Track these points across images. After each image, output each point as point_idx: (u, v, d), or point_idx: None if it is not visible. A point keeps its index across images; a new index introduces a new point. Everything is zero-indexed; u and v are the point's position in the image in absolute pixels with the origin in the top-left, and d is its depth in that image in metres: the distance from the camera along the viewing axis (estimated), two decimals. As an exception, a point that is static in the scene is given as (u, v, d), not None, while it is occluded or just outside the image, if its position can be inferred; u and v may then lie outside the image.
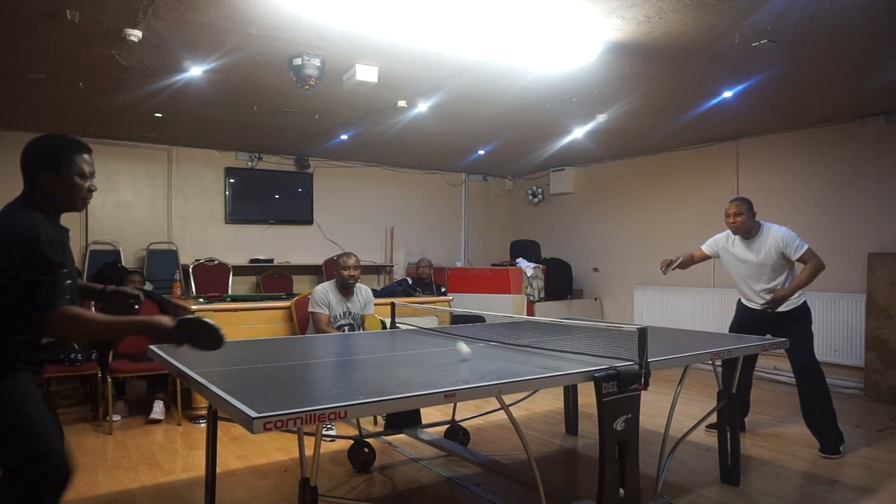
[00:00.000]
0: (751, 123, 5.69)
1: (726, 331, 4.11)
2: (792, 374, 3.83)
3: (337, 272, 4.32)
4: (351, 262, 4.30)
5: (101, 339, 1.81)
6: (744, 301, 3.98)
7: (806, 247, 3.67)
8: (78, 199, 1.94)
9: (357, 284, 4.44)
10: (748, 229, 3.80)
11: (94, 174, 1.97)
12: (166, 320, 1.82)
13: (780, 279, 3.75)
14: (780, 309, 3.74)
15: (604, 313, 7.82)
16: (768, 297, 3.74)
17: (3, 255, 1.74)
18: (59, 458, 1.86)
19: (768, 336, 3.57)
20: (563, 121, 5.61)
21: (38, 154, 1.92)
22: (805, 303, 3.79)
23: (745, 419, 4.14)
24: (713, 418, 3.29)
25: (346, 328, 4.31)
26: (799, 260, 3.68)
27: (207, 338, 1.80)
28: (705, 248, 4.10)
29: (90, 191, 1.97)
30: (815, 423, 3.66)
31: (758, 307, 3.84)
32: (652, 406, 4.35)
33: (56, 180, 1.89)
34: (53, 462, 1.85)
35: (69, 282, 1.89)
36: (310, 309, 4.30)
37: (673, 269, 3.99)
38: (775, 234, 3.74)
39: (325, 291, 4.29)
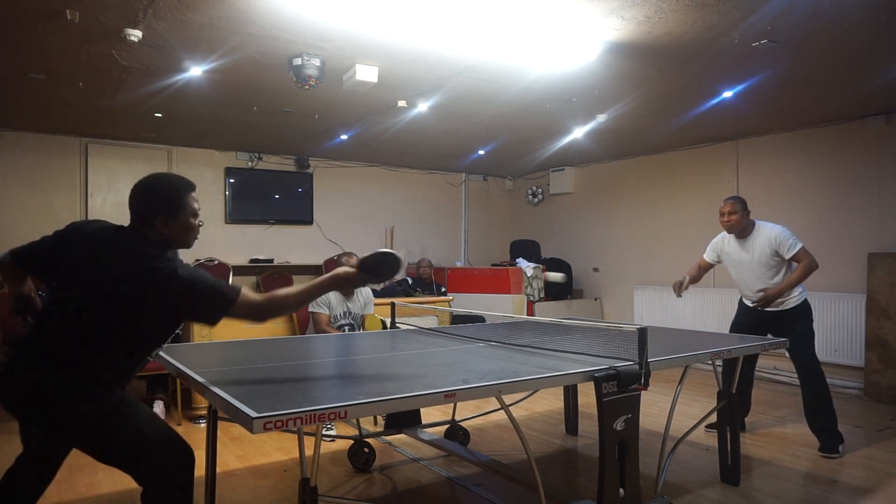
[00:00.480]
0: (751, 123, 5.69)
1: (726, 331, 4.11)
2: (792, 374, 3.85)
3: None
4: (353, 262, 4.30)
5: (306, 303, 2.09)
6: (744, 300, 3.99)
7: (800, 246, 3.67)
8: (192, 238, 2.03)
9: None
10: (742, 228, 3.81)
11: (200, 209, 2.06)
12: (351, 270, 2.05)
13: (777, 278, 3.75)
14: (781, 307, 3.75)
15: (604, 313, 7.82)
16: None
17: (189, 283, 1.83)
18: (184, 445, 1.98)
19: (769, 336, 3.58)
20: (563, 121, 5.61)
21: (156, 199, 1.95)
22: (806, 301, 3.78)
23: (745, 419, 4.14)
24: (713, 418, 3.29)
25: (347, 328, 4.31)
26: (792, 259, 3.68)
27: (388, 264, 2.08)
28: (706, 256, 4.10)
29: (198, 229, 2.05)
30: (814, 422, 3.67)
31: (756, 306, 3.85)
32: (652, 406, 4.35)
33: (173, 224, 1.95)
34: (186, 454, 1.97)
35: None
36: (310, 309, 4.31)
37: (685, 289, 3.99)
38: (769, 233, 3.74)
39: None
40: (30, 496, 2.09)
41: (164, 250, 1.93)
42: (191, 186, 2.03)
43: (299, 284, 2.02)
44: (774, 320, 3.79)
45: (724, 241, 3.97)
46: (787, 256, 3.68)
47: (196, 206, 2.02)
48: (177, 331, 2.08)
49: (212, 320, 1.89)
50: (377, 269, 2.07)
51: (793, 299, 3.74)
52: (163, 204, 1.94)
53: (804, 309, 3.77)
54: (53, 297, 1.92)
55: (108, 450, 1.85)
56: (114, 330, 1.85)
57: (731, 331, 4.02)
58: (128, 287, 1.82)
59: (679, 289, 3.98)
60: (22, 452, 2.14)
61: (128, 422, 1.86)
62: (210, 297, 1.85)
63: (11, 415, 1.89)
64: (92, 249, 1.90)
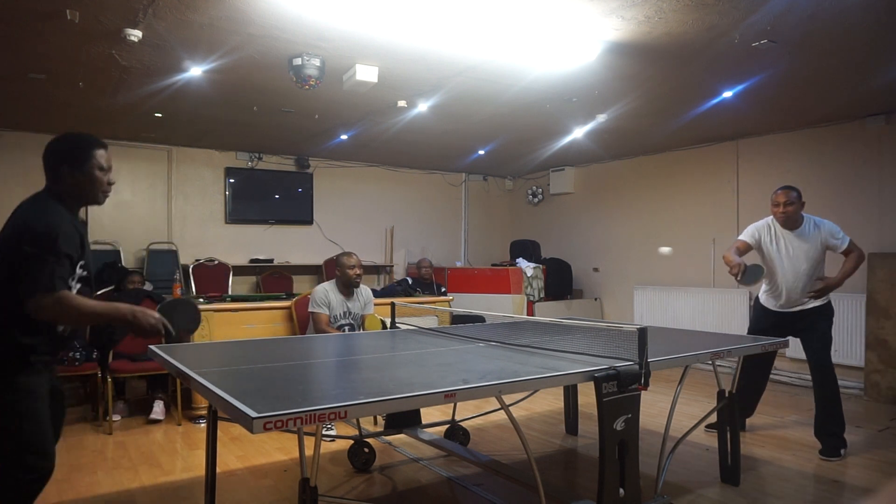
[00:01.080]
0: (751, 123, 5.69)
1: (726, 331, 4.11)
2: (793, 374, 3.82)
3: (341, 272, 4.31)
4: (354, 260, 4.31)
5: (97, 323, 1.92)
6: (762, 301, 3.86)
7: (849, 238, 3.61)
8: (99, 192, 2.07)
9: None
10: (794, 220, 3.66)
11: (111, 168, 2.11)
12: (151, 318, 1.96)
13: (814, 274, 3.66)
14: (809, 306, 3.67)
15: (604, 313, 7.82)
16: (805, 292, 3.64)
17: (25, 240, 1.83)
18: (49, 463, 1.92)
19: (789, 338, 3.43)
20: (563, 121, 5.61)
21: (61, 151, 2.03)
22: (830, 302, 3.72)
23: (747, 419, 4.12)
24: (713, 418, 3.28)
25: (347, 328, 4.31)
26: (844, 251, 3.60)
27: (186, 313, 2.07)
28: (746, 238, 3.80)
29: (109, 184, 2.10)
30: (822, 426, 3.63)
31: (782, 309, 3.73)
32: (652, 406, 4.35)
33: (79, 174, 2.01)
34: (45, 466, 1.91)
35: (84, 273, 1.99)
36: (310, 309, 4.30)
37: (753, 281, 3.61)
38: (821, 226, 3.64)
39: (325, 291, 4.29)
40: None
41: (54, 202, 1.96)
42: (100, 144, 2.09)
43: (95, 304, 1.92)
44: (798, 320, 3.69)
45: (769, 229, 3.75)
46: (841, 249, 3.59)
47: (105, 163, 2.07)
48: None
49: (21, 292, 1.80)
50: (174, 318, 2.03)
51: (820, 298, 3.67)
52: (68, 154, 2.01)
53: (828, 309, 3.70)
54: None
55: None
56: (5, 289, 1.84)
57: (749, 334, 3.92)
58: (2, 238, 1.88)
59: (739, 268, 3.55)
60: None
61: (20, 412, 1.85)
62: (35, 270, 1.79)
63: None
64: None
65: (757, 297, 3.96)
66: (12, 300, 1.83)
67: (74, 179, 2.01)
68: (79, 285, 1.98)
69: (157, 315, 1.97)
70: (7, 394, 1.85)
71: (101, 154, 2.07)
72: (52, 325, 1.94)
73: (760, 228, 3.80)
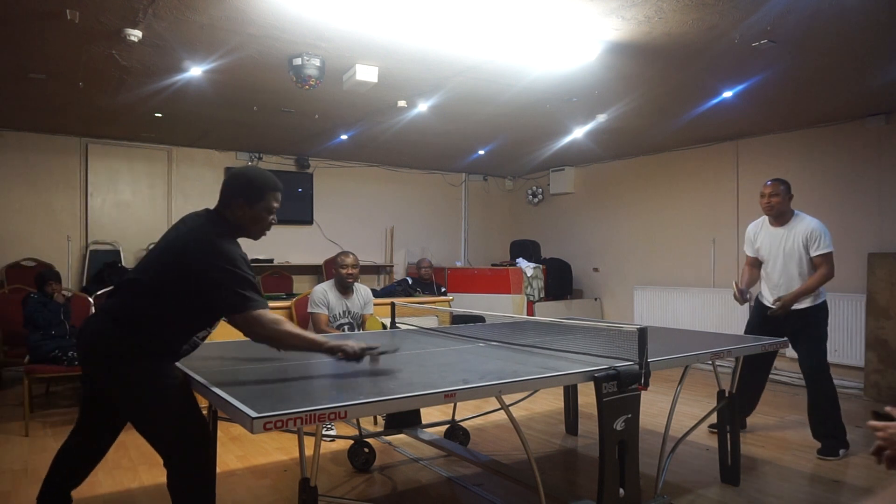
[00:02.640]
0: (751, 123, 5.69)
1: (726, 331, 4.11)
2: (793, 374, 3.81)
3: (335, 271, 4.32)
4: (349, 260, 4.30)
5: (293, 349, 2.15)
6: (761, 298, 3.87)
7: (828, 249, 3.55)
8: (260, 232, 2.21)
9: (356, 284, 4.44)
10: (782, 213, 3.67)
11: (277, 209, 2.21)
12: (353, 345, 2.12)
13: (802, 272, 3.62)
14: (801, 306, 3.65)
15: (604, 313, 7.82)
16: (778, 296, 3.64)
17: (226, 263, 1.99)
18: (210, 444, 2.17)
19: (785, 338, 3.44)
20: (563, 121, 5.61)
21: (241, 184, 2.17)
22: (824, 302, 3.69)
23: (747, 419, 4.12)
24: (713, 418, 3.28)
25: (346, 327, 4.31)
26: (814, 258, 3.57)
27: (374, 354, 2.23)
28: (746, 246, 3.89)
29: (270, 225, 2.22)
30: (818, 428, 3.63)
31: (773, 305, 3.73)
32: (652, 406, 4.35)
33: (249, 211, 2.14)
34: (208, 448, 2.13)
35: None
36: (309, 310, 4.30)
37: (745, 298, 3.81)
38: (807, 224, 3.63)
39: (323, 291, 4.29)
40: (79, 473, 2.26)
41: (227, 229, 2.11)
42: (278, 187, 2.20)
43: (309, 335, 2.14)
44: (789, 321, 3.68)
45: (757, 228, 3.80)
46: (813, 253, 3.56)
47: (276, 206, 2.19)
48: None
49: (235, 308, 1.97)
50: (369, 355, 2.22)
51: (816, 296, 3.64)
52: (247, 189, 2.14)
53: (820, 311, 3.67)
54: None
55: (152, 422, 2.04)
56: (166, 294, 2.01)
57: (745, 332, 3.93)
58: (175, 252, 2.03)
59: (740, 298, 3.79)
60: (74, 429, 2.28)
61: (178, 404, 2.04)
62: (240, 286, 1.97)
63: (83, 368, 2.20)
64: (171, 228, 2.21)
65: (759, 292, 3.97)
66: (169, 308, 2.02)
67: (244, 213, 2.14)
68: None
69: (360, 344, 2.13)
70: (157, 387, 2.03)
71: (274, 196, 2.17)
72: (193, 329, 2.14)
73: (749, 232, 3.89)
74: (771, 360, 3.96)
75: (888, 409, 1.39)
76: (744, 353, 3.01)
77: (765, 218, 3.82)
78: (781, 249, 3.68)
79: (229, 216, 2.14)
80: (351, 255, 4.35)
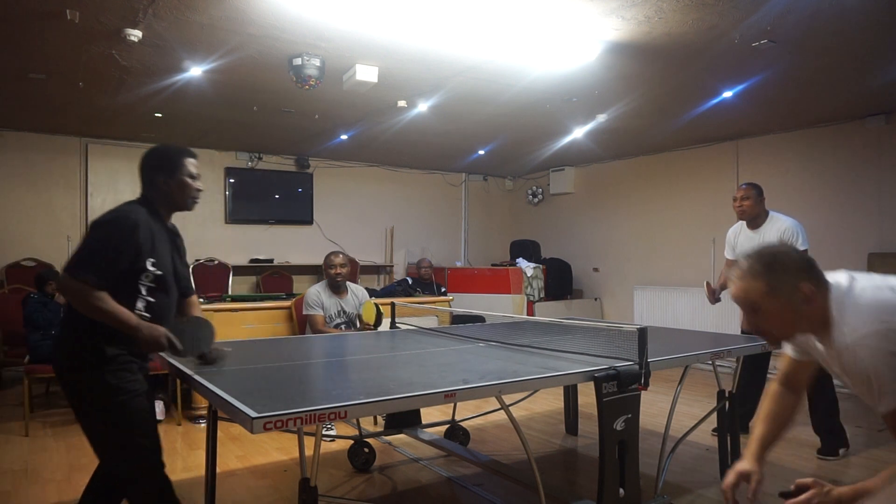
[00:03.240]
0: (751, 123, 5.69)
1: (726, 331, 4.11)
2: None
3: (325, 272, 4.33)
4: (337, 260, 4.29)
5: (106, 322, 1.94)
6: None
7: (803, 247, 3.56)
8: (189, 199, 2.21)
9: (352, 284, 4.44)
10: (755, 216, 3.70)
11: (199, 176, 2.24)
12: (159, 334, 1.95)
13: None
14: None
15: (604, 313, 7.82)
16: None
17: (92, 230, 1.97)
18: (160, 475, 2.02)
19: None
20: (563, 121, 5.61)
21: (155, 161, 2.21)
22: None
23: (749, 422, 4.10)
24: (714, 420, 3.28)
25: (343, 327, 4.31)
26: None
27: (202, 335, 2.10)
28: (727, 254, 3.96)
29: (198, 191, 2.23)
30: (817, 422, 3.64)
31: None
32: (652, 406, 4.35)
33: (171, 182, 2.16)
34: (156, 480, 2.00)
35: (158, 272, 2.05)
36: (304, 312, 4.30)
37: (717, 296, 3.91)
38: (780, 224, 3.64)
39: (317, 293, 4.28)
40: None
41: (138, 205, 2.09)
42: (191, 153, 2.25)
43: (115, 305, 1.93)
44: None
45: (735, 232, 3.85)
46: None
47: (194, 170, 2.22)
48: (151, 274, 2.04)
49: (65, 270, 1.91)
50: (185, 336, 2.05)
51: None
52: (163, 164, 2.19)
53: None
54: None
55: (99, 429, 1.96)
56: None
57: (742, 331, 3.95)
58: None
59: (711, 298, 3.88)
60: None
61: (129, 409, 1.95)
62: (83, 252, 1.92)
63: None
64: None
65: None
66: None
67: (167, 187, 2.16)
68: (151, 285, 2.04)
69: (163, 331, 1.97)
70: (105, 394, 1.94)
71: (190, 162, 2.22)
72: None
73: (729, 235, 3.93)
74: (766, 361, 3.97)
75: (798, 481, 1.40)
76: (744, 353, 3.01)
77: (743, 222, 3.86)
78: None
79: (157, 196, 2.16)
80: (340, 255, 4.34)
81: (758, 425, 1.82)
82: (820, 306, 1.39)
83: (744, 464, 1.71)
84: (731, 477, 1.67)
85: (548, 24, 3.28)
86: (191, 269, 6.58)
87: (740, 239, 3.84)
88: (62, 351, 1.99)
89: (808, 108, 5.10)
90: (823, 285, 1.41)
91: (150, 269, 2.02)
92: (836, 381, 3.70)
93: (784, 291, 1.40)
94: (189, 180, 2.20)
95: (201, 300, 4.85)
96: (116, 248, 1.93)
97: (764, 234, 3.69)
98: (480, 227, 9.08)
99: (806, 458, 3.57)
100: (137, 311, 2.01)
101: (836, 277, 1.42)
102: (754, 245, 3.72)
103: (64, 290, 2.01)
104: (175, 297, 2.18)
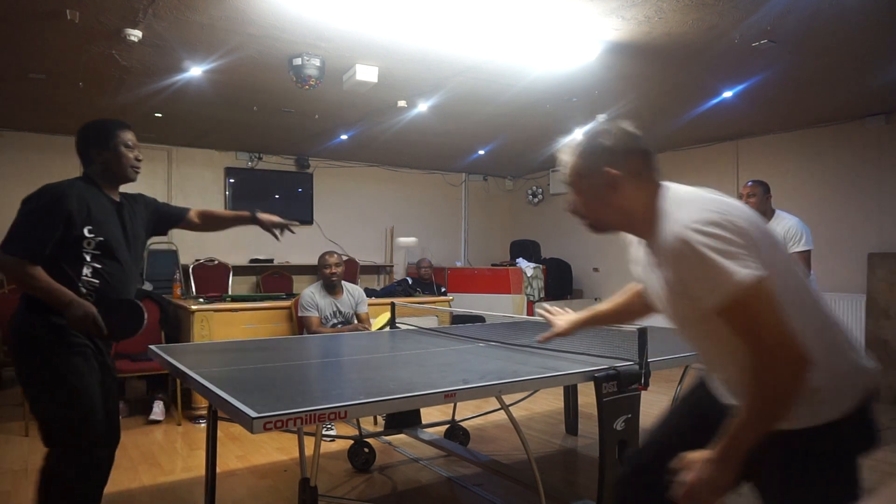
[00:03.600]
0: (751, 123, 5.69)
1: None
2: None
3: (320, 272, 4.34)
4: (332, 259, 4.30)
5: (40, 297, 1.99)
6: None
7: (806, 248, 3.55)
8: (129, 168, 2.19)
9: (347, 283, 4.44)
10: (761, 213, 3.63)
11: (137, 147, 2.22)
12: (88, 311, 1.98)
13: None
14: None
15: (604, 313, 7.81)
16: None
17: (20, 207, 2.05)
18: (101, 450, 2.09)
19: None
20: (563, 121, 5.61)
21: (88, 135, 2.19)
22: None
23: None
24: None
25: (339, 327, 4.31)
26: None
27: (129, 320, 2.08)
28: None
29: (138, 160, 2.22)
30: None
31: None
32: (652, 406, 4.34)
33: (106, 153, 2.15)
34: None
35: (101, 239, 2.07)
36: (299, 314, 4.30)
37: None
38: (785, 223, 3.64)
39: (311, 294, 4.28)
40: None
41: (88, 182, 2.13)
42: (125, 125, 2.22)
43: (45, 279, 1.98)
44: None
45: None
46: (790, 250, 3.56)
47: (130, 140, 2.19)
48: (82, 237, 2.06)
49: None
50: (115, 321, 2.04)
51: None
52: (96, 136, 2.17)
53: None
54: None
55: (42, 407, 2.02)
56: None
57: None
58: None
59: None
60: None
61: (66, 379, 1.99)
62: (13, 229, 2.00)
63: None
64: None
65: None
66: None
67: (102, 158, 2.15)
68: (96, 252, 2.06)
69: (90, 311, 1.97)
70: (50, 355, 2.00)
71: (124, 133, 2.19)
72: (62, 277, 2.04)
73: None
74: None
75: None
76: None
77: None
78: None
79: (95, 170, 2.17)
80: (334, 255, 4.35)
81: (605, 303, 1.83)
82: (640, 201, 1.34)
83: (564, 321, 1.85)
84: (548, 334, 1.91)
85: (548, 24, 3.28)
86: (191, 269, 6.58)
87: None
88: (14, 330, 2.04)
89: (808, 108, 5.10)
90: (647, 179, 1.35)
91: (89, 235, 2.04)
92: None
93: (590, 173, 1.37)
94: (124, 149, 2.18)
95: (201, 300, 4.85)
96: (43, 220, 1.99)
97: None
98: (480, 227, 9.08)
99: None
100: (85, 278, 2.05)
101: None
102: None
103: (0, 268, 2.05)
104: (130, 266, 2.20)
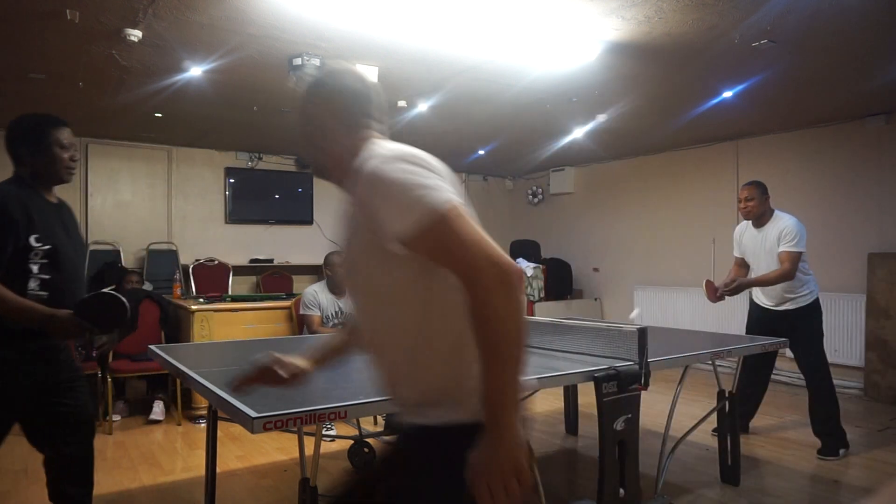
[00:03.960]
0: (751, 123, 5.69)
1: (726, 331, 4.11)
2: (793, 374, 3.81)
3: (332, 272, 4.33)
4: (340, 259, 4.30)
5: (9, 318, 1.86)
6: (754, 299, 3.90)
7: (796, 249, 3.50)
8: (62, 169, 2.05)
9: None
10: (760, 215, 3.68)
11: (73, 146, 2.06)
12: (65, 317, 1.85)
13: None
14: (788, 307, 3.66)
15: (604, 313, 7.81)
16: (784, 289, 3.62)
17: None
18: None
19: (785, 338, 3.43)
20: (563, 121, 5.61)
21: (20, 133, 2.03)
22: (816, 301, 3.68)
23: (750, 421, 4.10)
24: (714, 419, 3.28)
25: (341, 327, 4.31)
26: (779, 254, 3.53)
27: (110, 311, 1.89)
28: (735, 252, 3.92)
29: (73, 160, 2.07)
30: (817, 426, 3.64)
31: (767, 305, 3.76)
32: (652, 406, 4.34)
33: (38, 155, 2.00)
34: None
35: (47, 247, 1.93)
36: (300, 312, 4.30)
37: (720, 296, 3.79)
38: (782, 222, 3.63)
39: (314, 293, 4.28)
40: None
41: (9, 182, 1.97)
42: (59, 122, 2.06)
43: (15, 299, 1.83)
44: (782, 320, 3.68)
45: (742, 230, 3.83)
46: (779, 249, 3.54)
47: (65, 140, 2.04)
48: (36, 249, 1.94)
49: None
50: (96, 316, 1.88)
51: (802, 297, 3.63)
52: (27, 136, 2.01)
53: (813, 310, 3.67)
54: None
55: None
56: None
57: (746, 332, 3.94)
58: None
59: (711, 295, 3.80)
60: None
61: None
62: None
63: None
64: None
65: (752, 295, 3.98)
66: None
67: (34, 160, 2.00)
68: (43, 262, 1.92)
69: (74, 319, 1.86)
70: None
71: (59, 132, 2.03)
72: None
73: (739, 228, 3.91)
74: (771, 361, 3.95)
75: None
76: (744, 353, 3.01)
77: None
78: (763, 250, 3.71)
79: (25, 171, 2.01)
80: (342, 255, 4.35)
81: (326, 341, 1.61)
82: (348, 148, 1.30)
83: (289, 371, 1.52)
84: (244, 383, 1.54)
85: (548, 24, 3.28)
86: (191, 269, 6.58)
87: (745, 237, 3.83)
88: None
89: (808, 108, 5.10)
90: (362, 126, 1.33)
91: (36, 244, 1.90)
92: (835, 381, 3.69)
93: (312, 114, 1.39)
94: (59, 150, 2.02)
95: (201, 300, 4.85)
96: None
97: (767, 233, 3.68)
98: (480, 226, 9.07)
99: (805, 457, 3.57)
100: (31, 292, 1.89)
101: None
102: (758, 244, 3.69)
103: None
104: (78, 272, 2.06)
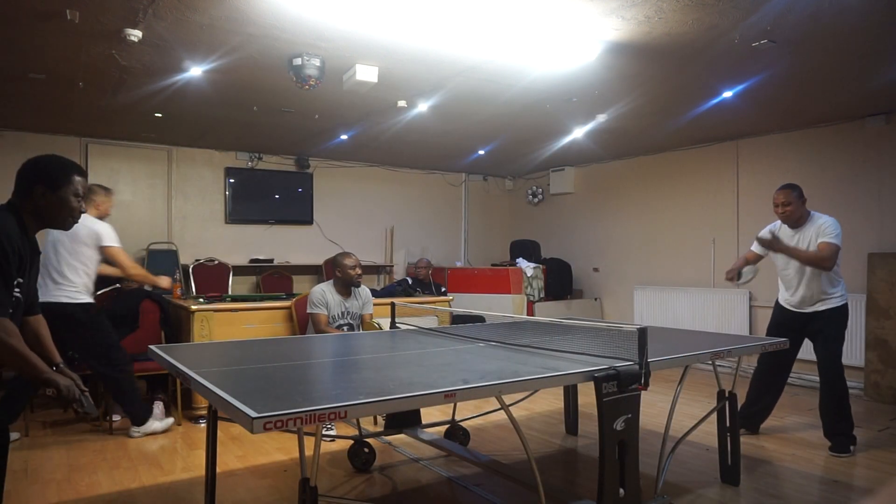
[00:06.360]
0: (751, 123, 5.69)
1: (726, 331, 4.10)
2: (794, 374, 3.79)
3: (342, 272, 4.30)
4: (354, 261, 4.33)
5: (11, 366, 1.88)
6: (781, 301, 3.87)
7: (833, 243, 3.48)
8: (69, 218, 2.05)
9: None
10: (798, 218, 3.63)
11: (84, 197, 2.08)
12: (65, 381, 1.89)
13: (816, 273, 3.58)
14: (819, 308, 3.64)
15: (604, 313, 7.82)
16: (820, 292, 3.60)
17: None
18: None
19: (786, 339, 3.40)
20: (563, 121, 5.61)
21: (40, 169, 2.01)
22: (845, 305, 3.67)
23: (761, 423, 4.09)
24: (714, 419, 3.28)
25: (346, 328, 4.31)
26: (819, 244, 3.52)
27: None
28: (755, 248, 3.85)
29: (79, 212, 2.07)
30: (830, 425, 3.66)
31: (796, 308, 3.73)
32: (652, 406, 4.35)
33: (51, 196, 1.99)
34: None
35: (18, 295, 1.92)
36: (308, 310, 4.30)
37: (743, 279, 3.81)
38: (820, 220, 3.59)
39: (322, 292, 4.28)
40: None
41: (9, 214, 1.93)
42: (81, 171, 2.08)
43: (24, 350, 1.83)
44: (810, 321, 3.67)
45: (774, 230, 3.76)
46: (818, 240, 3.52)
47: (80, 189, 2.06)
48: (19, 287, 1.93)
49: None
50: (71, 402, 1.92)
51: (835, 298, 3.61)
52: (47, 174, 1.99)
53: (840, 313, 3.65)
54: None
55: None
56: None
57: (767, 334, 3.92)
58: None
59: (736, 278, 3.79)
60: None
61: None
62: None
63: None
64: None
65: (778, 296, 3.95)
66: None
67: (47, 200, 1.99)
68: (17, 292, 1.92)
69: (73, 383, 1.90)
70: None
71: (79, 181, 2.05)
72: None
73: (771, 227, 3.83)
74: (788, 365, 3.90)
75: None
76: (743, 353, 3.01)
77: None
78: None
79: (28, 206, 1.98)
80: (354, 256, 4.37)
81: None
82: None
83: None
84: None
85: (548, 24, 3.28)
86: (191, 269, 6.58)
87: (781, 237, 3.73)
88: None
89: (808, 108, 5.10)
90: None
91: (17, 289, 1.90)
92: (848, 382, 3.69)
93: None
94: (73, 199, 2.03)
95: (201, 300, 4.85)
96: (9, 261, 1.81)
97: (804, 233, 3.63)
98: (480, 227, 9.08)
99: (805, 457, 3.57)
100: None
101: None
102: (796, 245, 3.63)
103: None
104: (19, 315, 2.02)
